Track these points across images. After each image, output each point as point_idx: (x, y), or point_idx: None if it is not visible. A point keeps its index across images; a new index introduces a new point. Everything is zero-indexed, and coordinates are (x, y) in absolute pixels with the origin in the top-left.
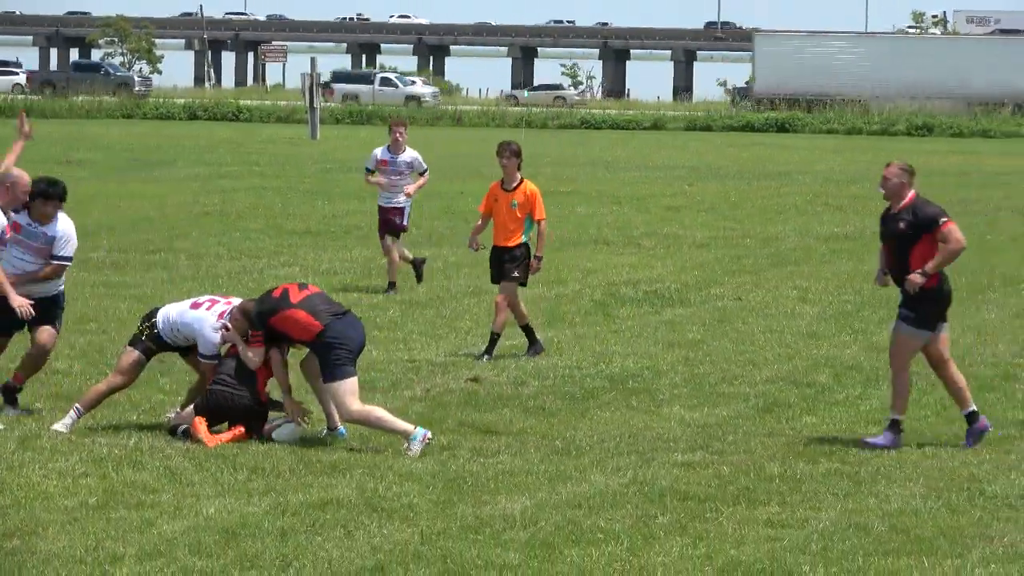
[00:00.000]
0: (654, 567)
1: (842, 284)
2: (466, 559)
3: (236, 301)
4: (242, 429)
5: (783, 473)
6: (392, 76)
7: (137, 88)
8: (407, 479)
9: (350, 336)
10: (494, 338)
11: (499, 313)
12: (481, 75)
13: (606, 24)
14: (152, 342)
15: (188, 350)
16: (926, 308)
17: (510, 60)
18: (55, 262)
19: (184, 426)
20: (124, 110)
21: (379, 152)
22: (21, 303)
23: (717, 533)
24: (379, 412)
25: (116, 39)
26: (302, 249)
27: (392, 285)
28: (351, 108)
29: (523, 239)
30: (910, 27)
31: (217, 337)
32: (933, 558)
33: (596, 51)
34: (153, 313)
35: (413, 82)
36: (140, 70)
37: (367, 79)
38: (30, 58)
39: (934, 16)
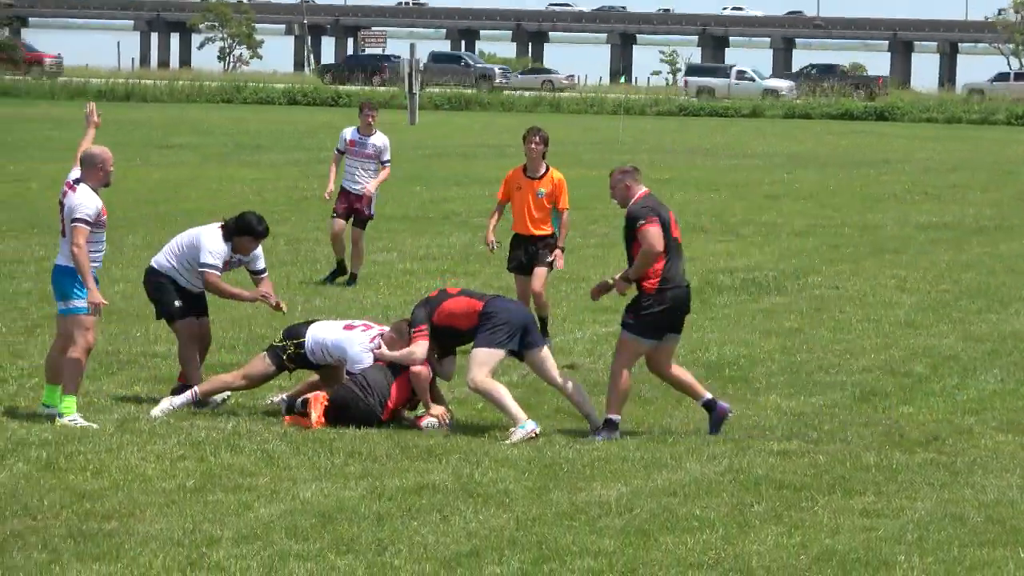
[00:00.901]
0: (749, 555)
1: (940, 274)
2: (561, 545)
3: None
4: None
5: (879, 463)
6: (748, 69)
7: (498, 80)
8: (503, 465)
9: (509, 309)
10: (543, 321)
11: (539, 302)
12: (580, 62)
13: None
14: (292, 361)
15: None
16: (644, 315)
17: (609, 47)
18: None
19: (306, 397)
20: (224, 95)
21: (348, 132)
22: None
23: (812, 522)
24: (502, 391)
25: (217, 24)
26: (400, 235)
27: (354, 277)
28: (450, 94)
29: (552, 229)
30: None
31: (367, 358)
32: None
33: (695, 38)
34: (300, 332)
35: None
36: (240, 55)
37: (723, 72)
38: (130, 43)
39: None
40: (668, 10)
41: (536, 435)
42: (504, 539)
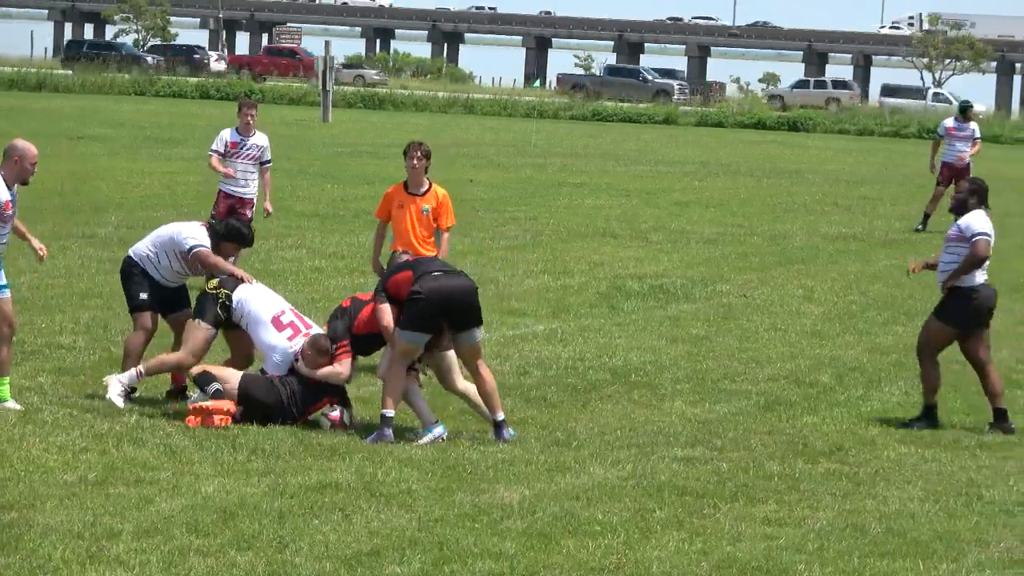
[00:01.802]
0: (650, 561)
1: (848, 285)
2: (462, 546)
3: (316, 329)
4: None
5: (782, 472)
6: (945, 92)
7: (676, 97)
8: (406, 465)
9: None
10: None
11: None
12: (495, 64)
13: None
14: (224, 311)
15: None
16: (408, 308)
17: (524, 50)
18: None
19: (218, 387)
20: (137, 87)
21: (227, 134)
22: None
23: (714, 529)
24: (415, 390)
25: (131, 15)
26: (310, 232)
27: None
28: (364, 92)
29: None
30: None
31: (282, 368)
32: (929, 562)
33: (611, 43)
34: (232, 285)
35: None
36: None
37: (919, 93)
38: (44, 32)
39: (910, 17)
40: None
41: (443, 439)
42: (405, 539)
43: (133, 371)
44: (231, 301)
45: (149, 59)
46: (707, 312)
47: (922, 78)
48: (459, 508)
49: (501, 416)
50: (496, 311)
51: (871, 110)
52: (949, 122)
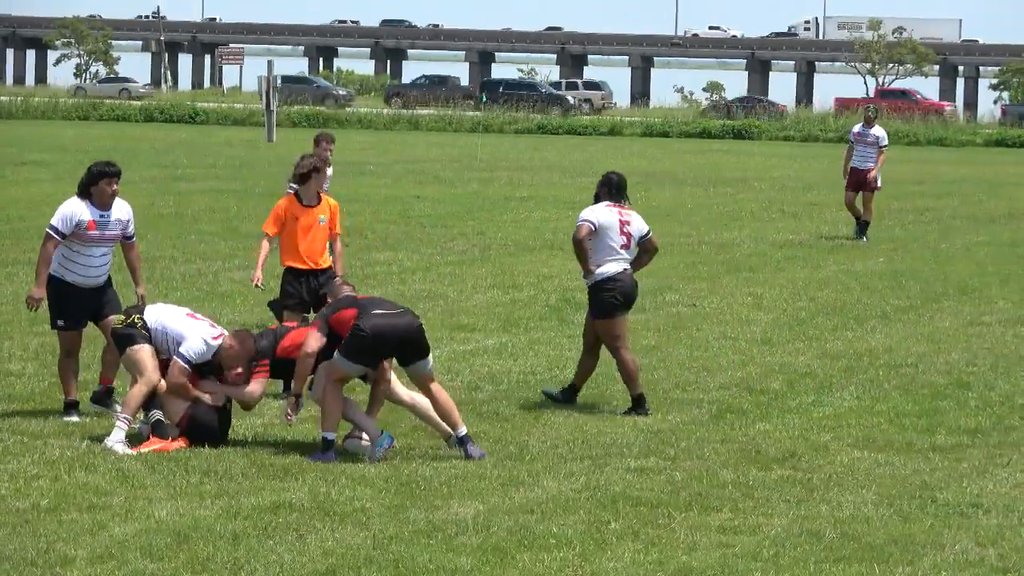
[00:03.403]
0: (606, 573)
1: (796, 291)
2: (418, 564)
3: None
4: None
5: (736, 479)
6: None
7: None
8: (360, 483)
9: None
10: None
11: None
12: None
13: (563, 29)
14: (146, 330)
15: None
16: (349, 339)
17: (467, 64)
18: None
19: (160, 416)
20: (80, 111)
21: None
22: None
23: (669, 539)
24: (353, 406)
25: (73, 40)
26: (256, 251)
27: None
28: (309, 111)
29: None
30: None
31: (206, 350)
32: (884, 566)
33: (554, 56)
34: (138, 309)
35: None
36: (96, 72)
37: None
38: None
39: (806, 22)
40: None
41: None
42: (360, 558)
43: (124, 422)
44: (148, 328)
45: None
46: (657, 322)
47: (865, 83)
48: (414, 525)
49: (463, 431)
50: (446, 326)
51: (815, 116)
52: (856, 127)
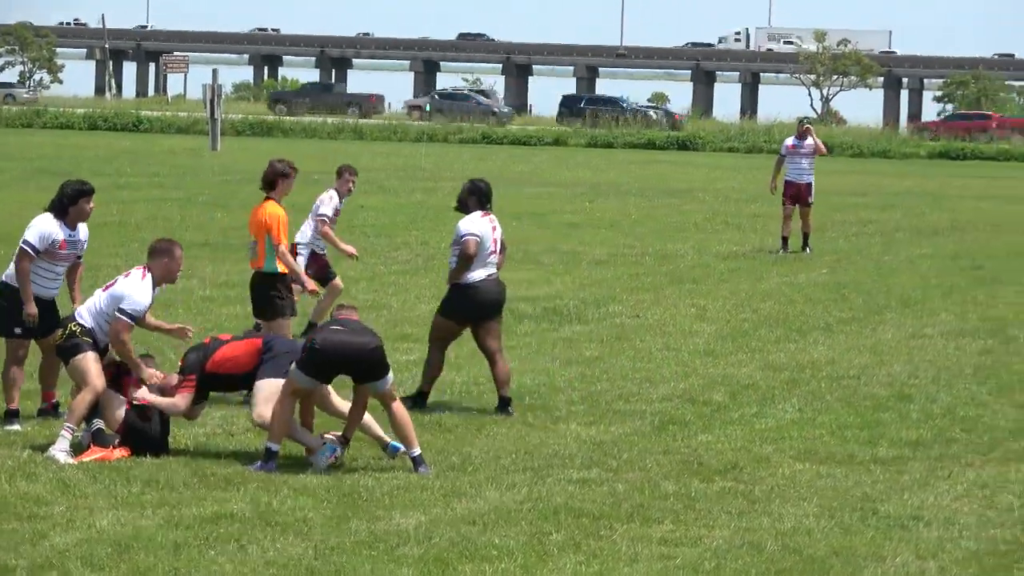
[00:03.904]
0: None
1: (740, 303)
2: (359, 574)
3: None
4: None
5: (677, 491)
6: None
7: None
8: (302, 493)
9: (292, 342)
10: None
11: None
12: (383, 89)
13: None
14: (89, 336)
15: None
16: (305, 353)
17: (412, 74)
18: None
19: (101, 425)
20: (24, 119)
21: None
22: None
23: (611, 551)
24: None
25: (17, 47)
26: (200, 261)
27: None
28: (253, 120)
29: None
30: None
31: (145, 300)
32: None
33: (499, 66)
34: (70, 317)
35: None
36: (41, 80)
37: None
38: None
39: (736, 32)
40: (475, 36)
41: (336, 458)
42: (302, 568)
43: (68, 431)
44: (85, 327)
45: None
46: (600, 333)
47: (810, 94)
48: (355, 535)
49: (416, 451)
50: (389, 337)
51: (760, 128)
52: (789, 140)
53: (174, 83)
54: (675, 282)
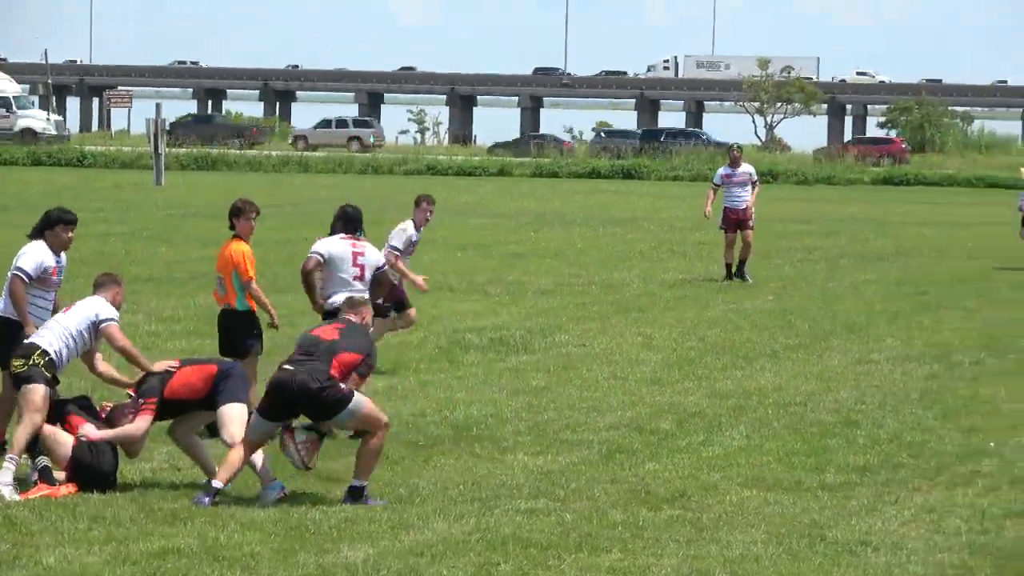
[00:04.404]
0: None
1: (686, 331)
2: None
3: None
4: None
5: (625, 520)
6: None
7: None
8: (249, 528)
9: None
10: None
11: None
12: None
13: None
14: (49, 369)
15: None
16: None
17: (357, 106)
18: None
19: (46, 463)
20: None
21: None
22: None
23: None
24: (258, 453)
25: None
26: (145, 295)
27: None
28: (197, 154)
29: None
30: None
31: (111, 313)
32: None
33: (443, 97)
34: (32, 345)
35: None
36: None
37: None
38: None
39: (665, 61)
40: (413, 68)
41: (284, 495)
42: None
43: (11, 462)
44: (49, 355)
45: None
46: (547, 363)
47: (754, 122)
48: (303, 569)
49: (358, 483)
50: None
51: (705, 155)
52: (723, 170)
53: (118, 118)
54: (621, 311)
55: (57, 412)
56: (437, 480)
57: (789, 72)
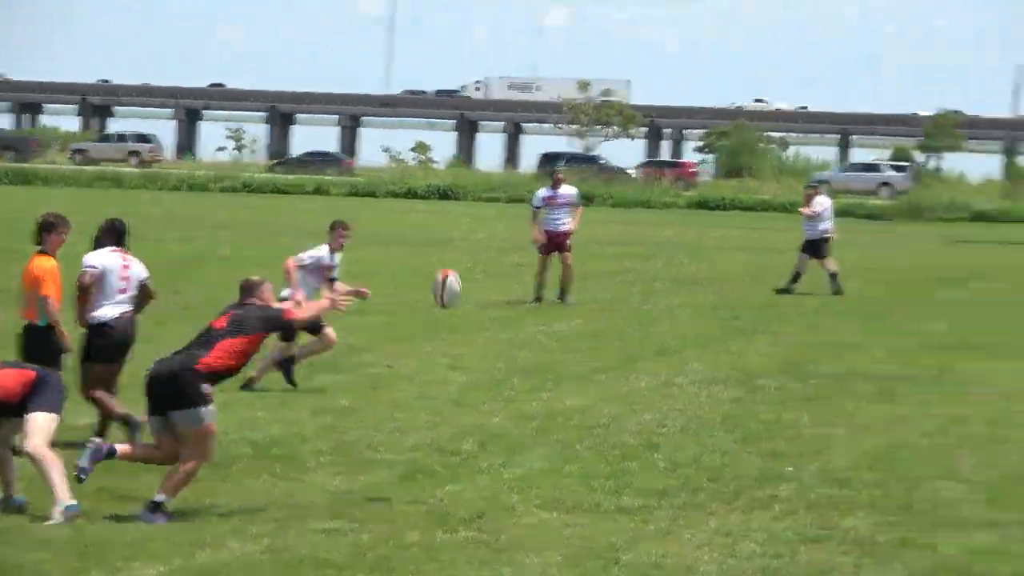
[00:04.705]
0: None
1: (496, 352)
2: None
3: None
4: None
5: (421, 541)
6: None
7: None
8: (40, 547)
9: (61, 377)
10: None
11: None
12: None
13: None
14: None
15: None
16: None
17: (175, 122)
18: None
19: None
20: None
21: (326, 255)
22: None
23: None
24: (57, 464)
25: None
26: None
27: None
28: (11, 168)
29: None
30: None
31: None
32: None
33: (263, 115)
34: None
35: None
36: None
37: None
38: None
39: (476, 82)
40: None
41: (77, 516)
42: None
43: None
44: None
45: None
46: (353, 383)
47: (575, 144)
48: None
49: (160, 498)
50: (137, 387)
51: (522, 178)
52: (544, 192)
53: None
54: (431, 331)
55: None
56: (235, 498)
57: (609, 94)
